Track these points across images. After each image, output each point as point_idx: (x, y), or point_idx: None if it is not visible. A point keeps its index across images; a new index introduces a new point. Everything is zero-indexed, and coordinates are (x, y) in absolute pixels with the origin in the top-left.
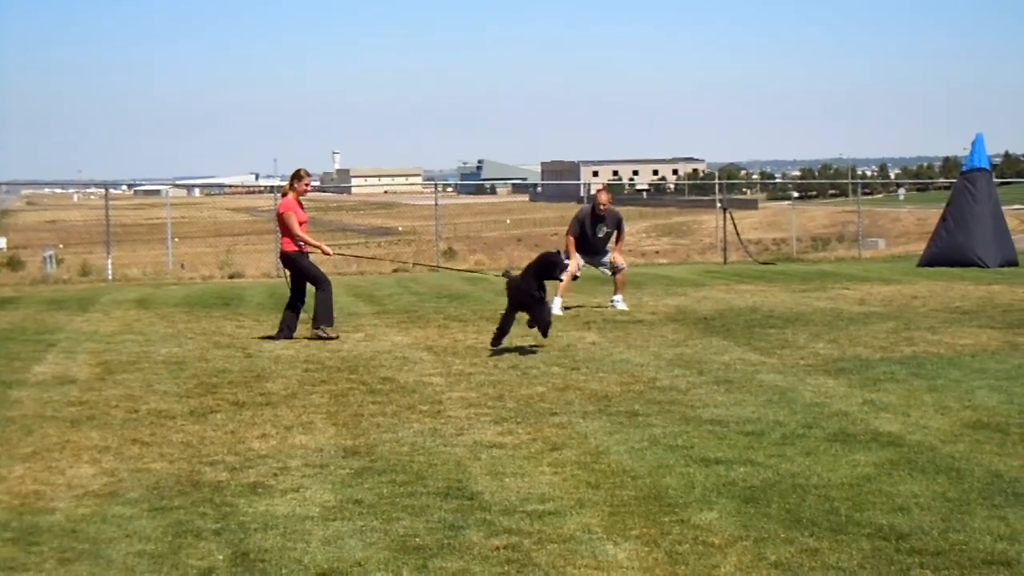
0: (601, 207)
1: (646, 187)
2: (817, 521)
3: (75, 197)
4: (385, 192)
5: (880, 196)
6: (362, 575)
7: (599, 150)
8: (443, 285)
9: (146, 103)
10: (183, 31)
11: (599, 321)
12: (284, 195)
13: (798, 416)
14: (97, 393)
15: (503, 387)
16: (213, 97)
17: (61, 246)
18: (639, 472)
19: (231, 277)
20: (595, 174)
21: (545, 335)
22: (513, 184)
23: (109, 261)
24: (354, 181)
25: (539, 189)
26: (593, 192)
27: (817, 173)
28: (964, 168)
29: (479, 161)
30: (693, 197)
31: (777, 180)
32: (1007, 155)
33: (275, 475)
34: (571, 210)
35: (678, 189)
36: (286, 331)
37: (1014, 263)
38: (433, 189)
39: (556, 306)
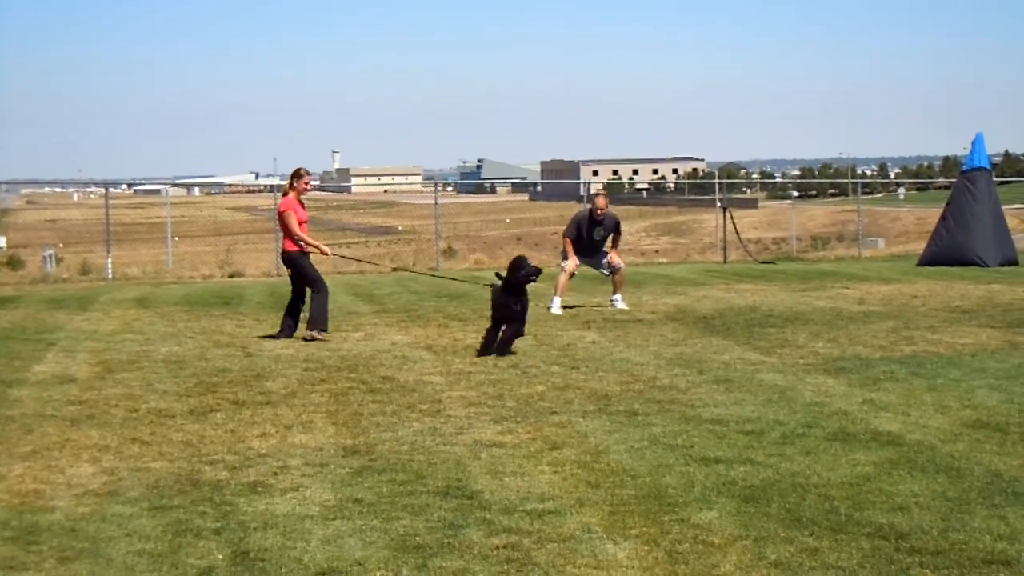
0: (599, 211)
1: (646, 186)
2: (817, 520)
3: (75, 196)
4: (385, 191)
5: (880, 195)
6: (362, 574)
7: (599, 149)
8: (443, 284)
9: (146, 103)
10: (183, 31)
11: (599, 320)
12: (284, 194)
13: (798, 415)
14: (97, 392)
15: (503, 386)
16: (213, 97)
17: (61, 245)
18: (639, 471)
19: (231, 276)
20: (595, 173)
21: (507, 345)
22: (513, 183)
23: (109, 260)
24: (354, 180)
25: (539, 188)
26: (593, 192)
27: (817, 172)
28: (964, 167)
29: (479, 160)
30: (693, 196)
31: (777, 179)
32: (1007, 154)
33: (275, 474)
34: (571, 209)
35: (678, 188)
36: (286, 330)
37: (1014, 262)
38: (433, 188)
39: (556, 305)
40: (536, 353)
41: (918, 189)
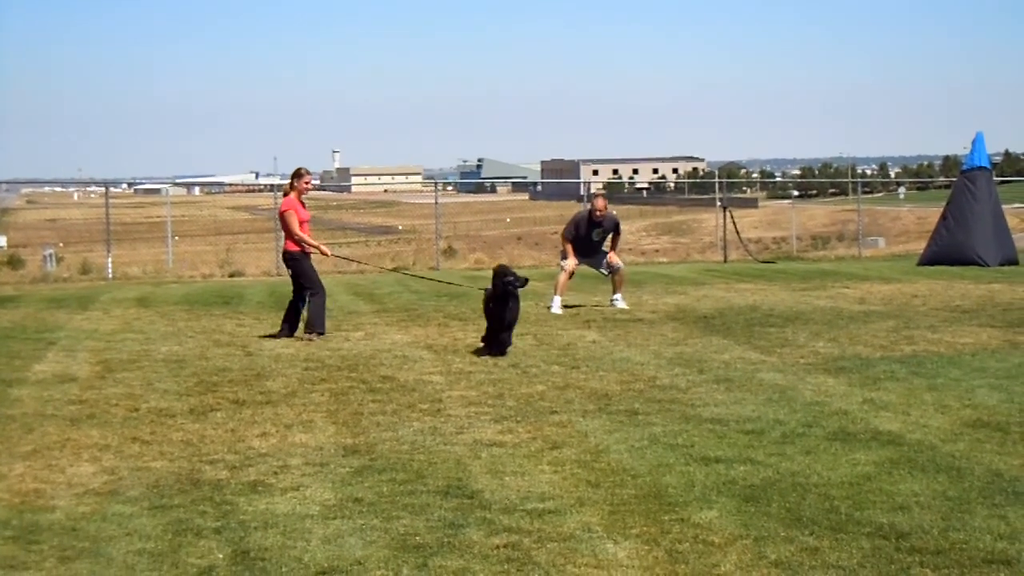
0: (598, 213)
1: (646, 186)
2: (817, 520)
3: (75, 196)
4: (385, 191)
5: (880, 195)
6: (362, 573)
7: (599, 149)
8: (442, 284)
9: (146, 102)
10: (183, 31)
11: (599, 320)
12: (286, 194)
13: (798, 415)
14: (97, 391)
15: (503, 386)
16: (213, 96)
17: (61, 244)
18: (639, 471)
19: (231, 276)
20: (595, 172)
21: (501, 352)
22: (513, 183)
23: (109, 259)
24: (354, 180)
25: (539, 188)
26: (593, 192)
27: (817, 172)
28: (964, 167)
29: (479, 160)
30: (693, 196)
31: (777, 179)
32: (1007, 154)
33: (275, 473)
34: (571, 209)
35: (678, 188)
36: (287, 330)
37: (1014, 262)
38: (433, 188)
39: (556, 305)
40: (536, 352)
41: (918, 188)
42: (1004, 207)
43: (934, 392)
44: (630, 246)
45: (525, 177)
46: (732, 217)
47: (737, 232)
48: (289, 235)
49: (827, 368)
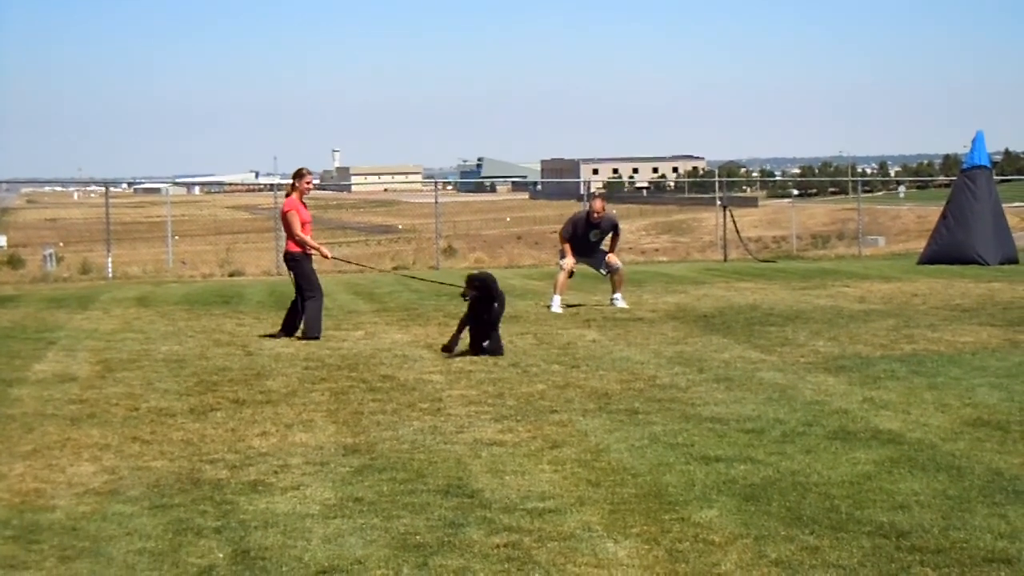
0: (595, 215)
1: (646, 185)
2: (817, 519)
3: (75, 195)
4: (385, 190)
5: (880, 194)
6: (362, 573)
7: (599, 148)
8: (444, 284)
9: (146, 102)
10: (183, 31)
11: (599, 319)
12: (288, 194)
13: (798, 414)
14: (97, 391)
15: (503, 385)
16: (213, 96)
17: (61, 244)
18: (639, 470)
19: (231, 275)
20: (595, 172)
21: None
22: (513, 182)
23: (109, 259)
24: (354, 179)
25: (539, 187)
26: (593, 191)
27: (817, 171)
28: (964, 166)
29: (479, 159)
30: (693, 195)
31: (777, 178)
32: (1007, 152)
33: (275, 473)
34: (571, 208)
35: (678, 187)
36: (287, 329)
37: (1014, 260)
38: (433, 187)
39: (556, 304)
40: (536, 352)
41: (918, 187)
42: (1004, 206)
43: (934, 391)
44: (630, 245)
45: (525, 176)
46: (732, 216)
47: (737, 231)
48: (290, 235)
49: (827, 367)
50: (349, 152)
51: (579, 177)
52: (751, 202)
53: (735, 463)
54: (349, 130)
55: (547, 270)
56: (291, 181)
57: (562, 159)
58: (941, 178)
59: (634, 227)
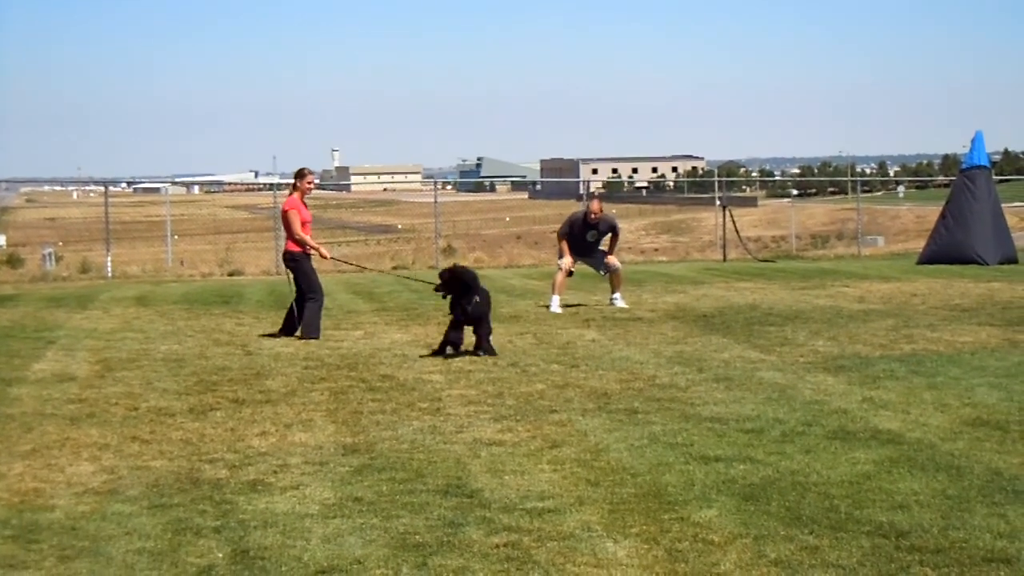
0: (592, 216)
1: (645, 185)
2: (817, 519)
3: (74, 195)
4: (384, 190)
5: (879, 194)
6: (361, 572)
7: (599, 148)
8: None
9: (146, 102)
10: (183, 31)
11: (598, 319)
12: (290, 194)
13: (798, 414)
14: (97, 391)
15: (502, 385)
16: (213, 96)
17: (60, 243)
18: (639, 470)
19: (231, 275)
20: (595, 172)
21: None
22: (512, 182)
23: (108, 258)
24: (353, 179)
25: (538, 187)
26: (591, 191)
27: (816, 171)
28: (963, 166)
29: (478, 159)
30: (692, 195)
31: (776, 178)
32: (1007, 152)
33: (275, 473)
34: (570, 207)
35: (677, 187)
36: (287, 329)
37: (1013, 260)
38: (432, 187)
39: (555, 304)
40: (536, 351)
41: (917, 187)
42: (1003, 206)
43: (933, 391)
44: (629, 245)
45: (524, 176)
46: (731, 216)
47: (736, 231)
48: (290, 235)
49: (826, 367)
50: (349, 152)
51: (579, 177)
52: (750, 202)
53: (734, 463)
54: (349, 130)
55: (546, 270)
56: (292, 181)
57: (562, 159)
58: (940, 178)
59: (633, 227)
